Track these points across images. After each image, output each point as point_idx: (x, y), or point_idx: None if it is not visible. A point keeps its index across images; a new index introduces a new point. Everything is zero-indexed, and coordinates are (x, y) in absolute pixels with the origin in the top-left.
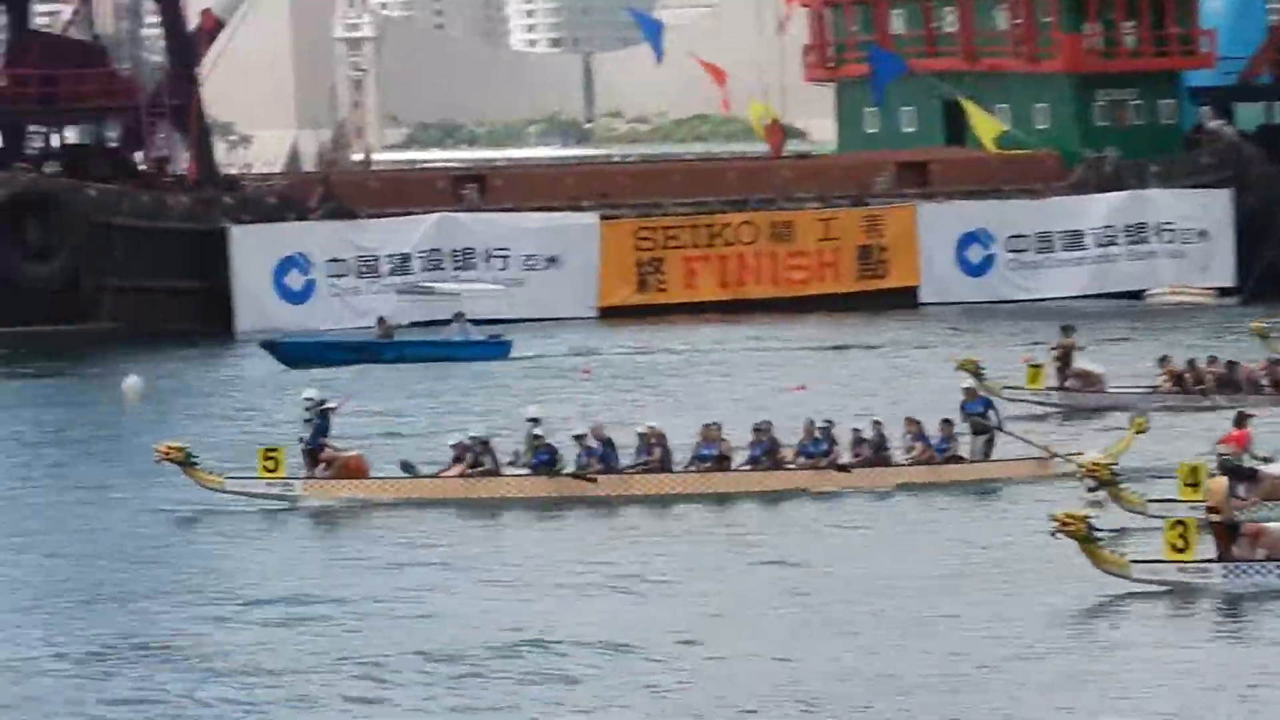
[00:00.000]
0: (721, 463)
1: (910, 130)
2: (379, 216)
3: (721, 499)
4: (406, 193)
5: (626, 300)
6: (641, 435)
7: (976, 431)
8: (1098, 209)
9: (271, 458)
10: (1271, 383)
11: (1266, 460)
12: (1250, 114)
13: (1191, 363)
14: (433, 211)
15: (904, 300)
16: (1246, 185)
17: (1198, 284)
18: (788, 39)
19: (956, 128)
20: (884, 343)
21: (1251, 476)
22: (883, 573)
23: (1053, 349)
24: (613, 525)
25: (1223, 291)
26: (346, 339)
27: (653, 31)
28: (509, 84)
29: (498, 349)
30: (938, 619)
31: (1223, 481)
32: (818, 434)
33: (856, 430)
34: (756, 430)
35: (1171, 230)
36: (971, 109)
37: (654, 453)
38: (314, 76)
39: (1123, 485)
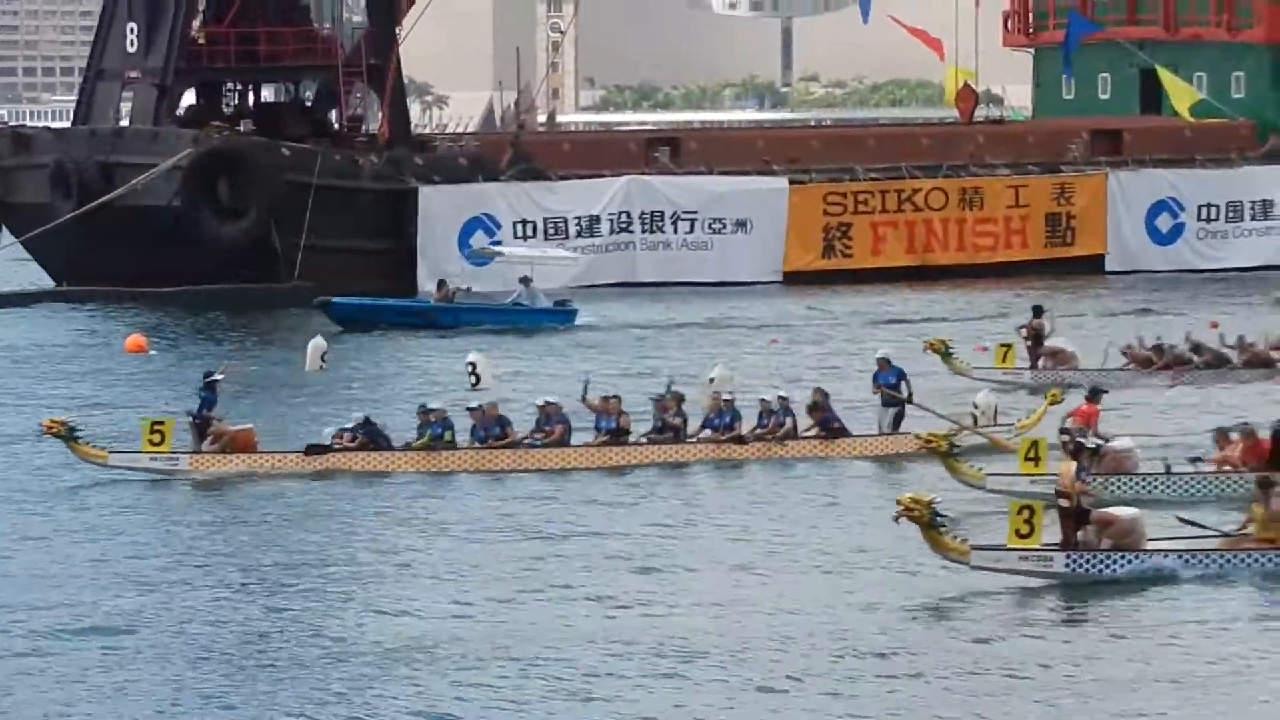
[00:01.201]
0: (619, 436)
1: (1105, 98)
2: (570, 179)
3: (619, 471)
4: (598, 155)
5: (811, 265)
6: (540, 408)
7: (887, 404)
8: None
9: (158, 430)
10: (1244, 360)
11: (1106, 439)
12: None
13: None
14: (624, 174)
15: (1091, 268)
16: None
17: None
18: (985, 2)
19: (1152, 96)
20: (1069, 311)
21: (1094, 451)
22: (719, 551)
23: (1022, 328)
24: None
25: None
26: (403, 302)
27: None
28: (707, 47)
29: (562, 317)
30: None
31: (1073, 465)
32: (723, 407)
33: (764, 401)
34: (656, 402)
35: None
36: (1167, 77)
37: (554, 427)
38: (513, 37)
39: (961, 459)
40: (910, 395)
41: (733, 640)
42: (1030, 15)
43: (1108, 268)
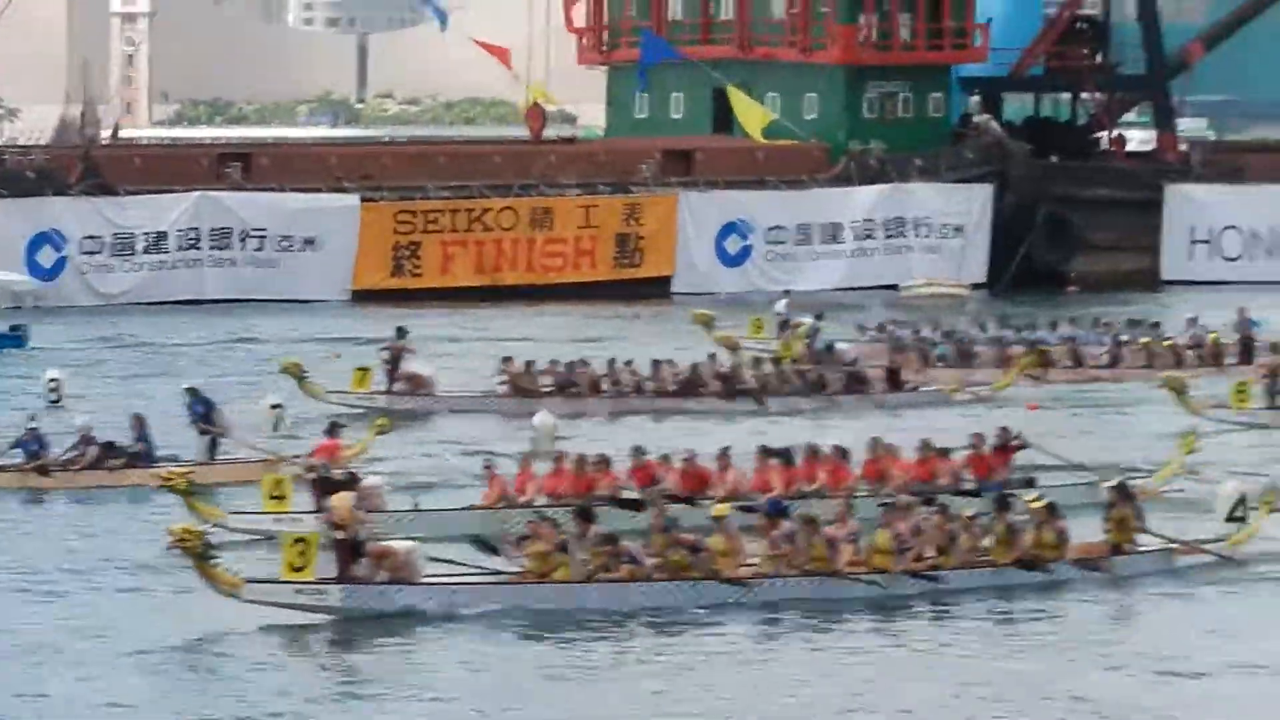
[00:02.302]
0: None
1: (679, 117)
2: (140, 194)
3: None
4: (170, 170)
5: (380, 284)
6: None
7: (202, 432)
8: (857, 202)
9: None
10: (611, 382)
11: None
12: (1019, 106)
13: (529, 365)
14: (195, 189)
15: (659, 290)
16: (1008, 181)
17: (951, 279)
18: (559, 19)
19: (725, 116)
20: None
21: (343, 487)
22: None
23: (382, 350)
24: None
25: (977, 285)
26: None
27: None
28: (282, 62)
29: (12, 340)
30: None
31: (349, 497)
32: (27, 436)
33: (80, 428)
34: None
35: (929, 225)
36: (737, 97)
37: None
38: (86, 49)
39: (199, 497)
40: (223, 426)
41: None
42: (604, 34)
43: (674, 289)
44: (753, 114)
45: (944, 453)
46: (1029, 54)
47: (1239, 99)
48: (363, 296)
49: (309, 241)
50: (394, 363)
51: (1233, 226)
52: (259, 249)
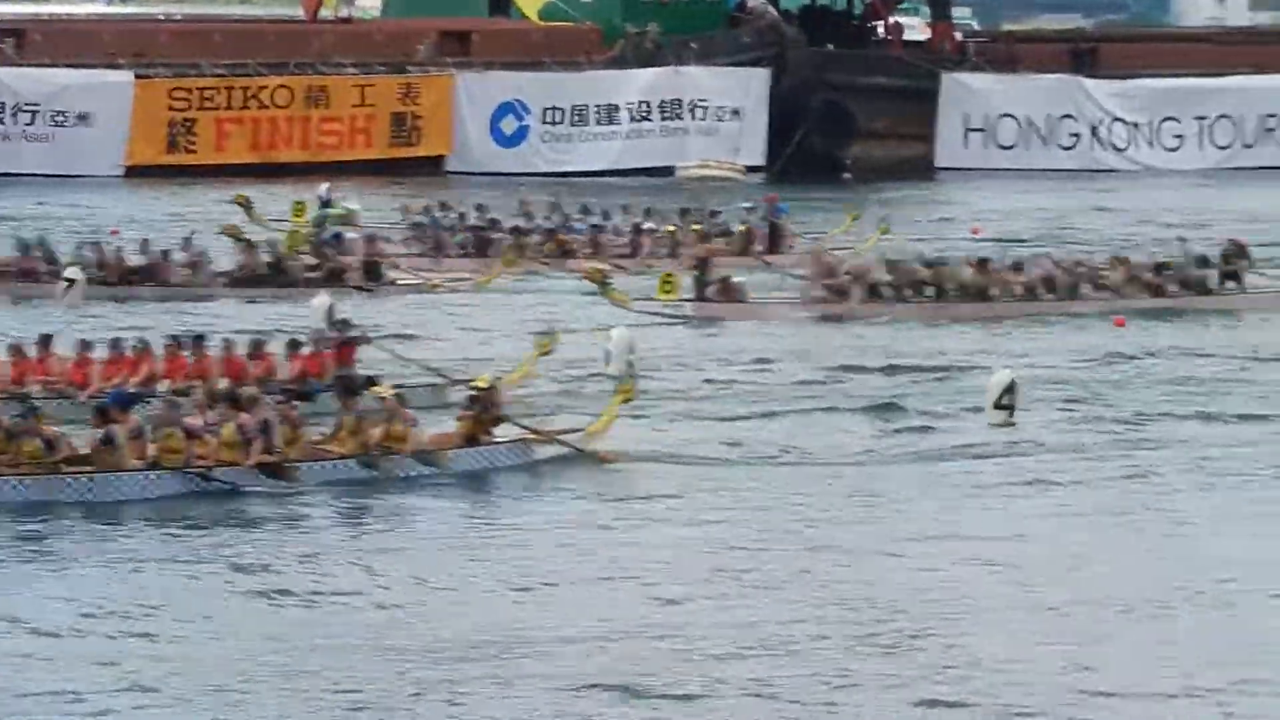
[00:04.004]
0: None
1: None
2: None
3: None
4: None
5: (154, 160)
6: None
7: None
8: (634, 84)
9: None
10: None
11: None
12: None
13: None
14: None
15: (433, 168)
16: (784, 66)
17: (727, 162)
18: None
19: None
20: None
21: None
22: None
23: None
24: None
25: (753, 168)
26: None
27: None
28: None
29: None
30: None
31: None
32: None
33: None
34: None
35: (705, 108)
36: None
37: None
38: None
39: None
40: None
41: None
42: None
43: (448, 168)
44: None
45: (295, 345)
46: None
47: None
48: (136, 172)
49: (82, 117)
50: None
51: (1009, 115)
52: (30, 123)
